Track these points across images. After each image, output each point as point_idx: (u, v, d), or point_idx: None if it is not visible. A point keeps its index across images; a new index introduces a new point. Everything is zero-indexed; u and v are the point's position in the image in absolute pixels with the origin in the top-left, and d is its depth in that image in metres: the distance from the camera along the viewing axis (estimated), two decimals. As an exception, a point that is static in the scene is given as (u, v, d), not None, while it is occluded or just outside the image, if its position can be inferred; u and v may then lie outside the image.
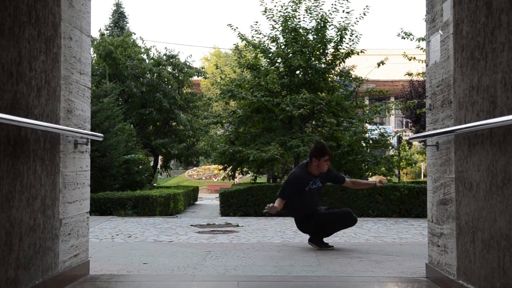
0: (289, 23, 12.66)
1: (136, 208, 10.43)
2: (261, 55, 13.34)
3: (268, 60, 13.37)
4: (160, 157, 19.84)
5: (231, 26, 13.07)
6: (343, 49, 12.83)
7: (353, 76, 13.38)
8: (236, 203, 10.79)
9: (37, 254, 2.94)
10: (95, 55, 17.23)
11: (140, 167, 14.43)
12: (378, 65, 12.61)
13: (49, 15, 3.13)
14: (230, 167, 13.95)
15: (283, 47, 12.96)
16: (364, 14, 12.47)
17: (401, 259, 4.81)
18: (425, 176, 28.04)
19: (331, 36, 12.77)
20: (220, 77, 14.18)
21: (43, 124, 2.89)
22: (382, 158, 12.64)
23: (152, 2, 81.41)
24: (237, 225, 8.48)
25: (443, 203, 3.36)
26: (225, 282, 3.73)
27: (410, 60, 12.29)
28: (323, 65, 12.90)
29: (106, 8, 77.06)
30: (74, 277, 3.52)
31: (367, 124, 13.63)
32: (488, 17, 2.67)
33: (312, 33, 12.77)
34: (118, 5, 27.23)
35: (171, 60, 18.48)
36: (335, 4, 12.51)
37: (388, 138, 13.13)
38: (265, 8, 12.75)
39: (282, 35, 12.91)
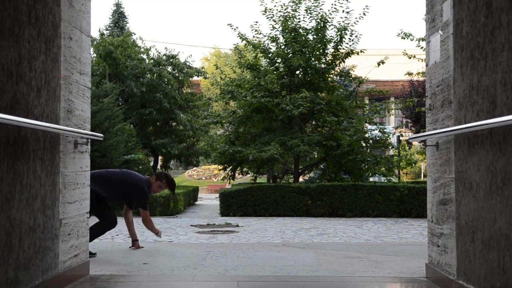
0: (289, 23, 12.66)
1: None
2: (261, 55, 13.35)
3: (268, 60, 13.37)
4: (160, 157, 19.82)
5: (231, 26, 13.08)
6: (343, 49, 12.85)
7: (353, 76, 13.39)
8: (236, 203, 10.78)
9: (37, 254, 2.94)
10: (95, 55, 17.19)
11: (140, 167, 14.41)
12: (378, 64, 12.61)
13: (49, 15, 3.13)
14: (230, 167, 13.95)
15: (283, 47, 12.96)
16: (364, 14, 12.48)
17: (401, 259, 4.81)
18: (425, 176, 28.02)
19: (331, 36, 12.78)
20: (220, 77, 14.18)
21: (43, 124, 2.89)
22: (382, 158, 12.65)
23: (152, 2, 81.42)
24: (237, 225, 8.47)
25: (443, 203, 3.36)
26: (225, 282, 3.73)
27: (410, 58, 12.26)
28: (323, 65, 12.91)
29: (106, 8, 77.00)
30: (74, 277, 3.52)
31: (367, 124, 13.64)
32: (488, 17, 2.67)
33: (312, 33, 12.77)
34: (118, 5, 27.19)
35: (171, 60, 18.46)
36: (335, 4, 12.52)
37: (388, 136, 13.12)
38: (265, 8, 12.77)
39: (282, 35, 12.92)
